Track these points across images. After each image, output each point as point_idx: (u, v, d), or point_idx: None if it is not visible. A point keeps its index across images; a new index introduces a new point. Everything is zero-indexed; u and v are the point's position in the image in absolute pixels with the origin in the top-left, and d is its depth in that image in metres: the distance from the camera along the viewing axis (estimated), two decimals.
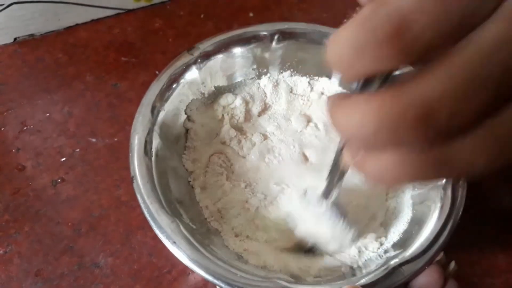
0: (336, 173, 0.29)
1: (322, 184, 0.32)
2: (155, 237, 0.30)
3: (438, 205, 0.33)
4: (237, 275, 0.29)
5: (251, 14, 0.57)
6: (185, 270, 0.38)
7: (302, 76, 0.43)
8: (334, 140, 0.41)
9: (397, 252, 0.33)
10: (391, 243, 0.35)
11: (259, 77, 0.42)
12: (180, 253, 0.29)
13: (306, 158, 0.40)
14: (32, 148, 0.44)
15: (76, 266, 0.38)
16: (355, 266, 0.34)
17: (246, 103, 0.41)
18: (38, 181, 0.42)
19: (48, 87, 0.48)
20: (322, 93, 0.43)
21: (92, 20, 0.54)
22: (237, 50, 0.40)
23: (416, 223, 0.35)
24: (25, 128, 0.45)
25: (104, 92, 0.48)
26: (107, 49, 0.52)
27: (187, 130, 0.40)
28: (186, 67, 0.38)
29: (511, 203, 0.44)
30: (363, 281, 0.29)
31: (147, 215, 0.30)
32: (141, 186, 0.31)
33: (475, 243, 0.42)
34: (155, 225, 0.30)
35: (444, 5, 0.14)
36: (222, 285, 0.28)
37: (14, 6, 0.48)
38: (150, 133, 0.34)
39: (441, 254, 0.32)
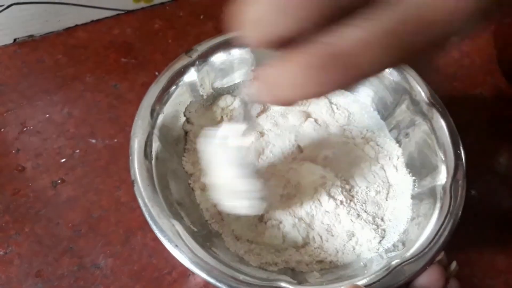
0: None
1: (313, 176, 0.34)
2: (155, 238, 0.31)
3: (438, 205, 0.33)
4: (240, 278, 0.29)
5: None
6: (185, 272, 0.38)
7: None
8: (331, 134, 0.41)
9: (398, 252, 0.33)
10: (391, 243, 0.35)
11: None
12: (182, 256, 0.29)
13: (300, 150, 0.40)
14: (32, 149, 0.44)
15: (76, 267, 0.38)
16: (355, 264, 0.34)
17: (245, 104, 0.41)
18: (38, 182, 0.42)
19: (48, 88, 0.48)
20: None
21: (92, 21, 0.54)
22: (235, 52, 0.40)
23: (416, 223, 0.35)
24: (25, 129, 0.45)
25: (104, 93, 0.48)
26: (107, 50, 0.52)
27: (186, 133, 0.40)
28: (185, 69, 0.38)
29: (511, 203, 0.44)
30: (364, 281, 0.29)
31: (148, 219, 0.30)
32: (142, 190, 0.32)
33: (475, 244, 0.42)
34: (157, 228, 0.30)
35: None
36: (225, 287, 0.28)
37: (14, 7, 0.48)
38: (149, 136, 0.34)
39: (442, 254, 0.32)
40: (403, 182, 0.39)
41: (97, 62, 0.51)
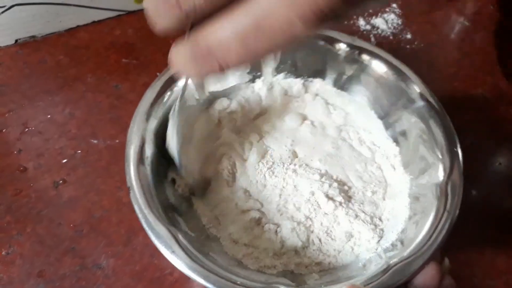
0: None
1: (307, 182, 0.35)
2: None
3: (436, 203, 0.33)
4: (238, 282, 0.29)
5: None
6: None
7: (296, 78, 0.43)
8: (328, 136, 0.41)
9: (396, 251, 0.33)
10: (390, 242, 0.35)
11: (253, 80, 0.43)
12: (179, 262, 0.29)
13: (295, 155, 0.40)
14: (34, 150, 0.44)
15: (78, 267, 0.38)
16: (354, 265, 0.34)
17: (242, 106, 0.41)
18: (39, 183, 0.42)
19: (50, 89, 0.48)
20: (317, 94, 0.44)
21: (93, 22, 0.54)
22: None
23: (414, 222, 0.35)
24: (27, 129, 0.45)
25: (105, 93, 0.48)
26: (108, 50, 0.52)
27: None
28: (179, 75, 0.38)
29: (511, 204, 0.44)
30: (363, 281, 0.29)
31: (145, 225, 0.31)
32: (138, 196, 0.32)
33: (475, 244, 0.42)
34: (153, 235, 0.30)
35: None
36: None
37: (15, 7, 0.48)
38: (145, 142, 0.34)
39: None
40: (400, 181, 0.39)
41: (98, 63, 0.51)
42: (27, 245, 0.39)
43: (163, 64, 0.39)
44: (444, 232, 0.32)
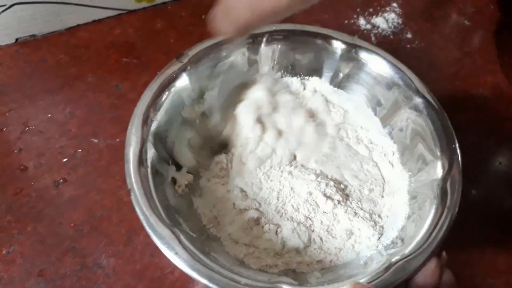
0: None
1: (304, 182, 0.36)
2: None
3: (435, 200, 0.34)
4: (241, 282, 0.29)
5: None
6: None
7: (293, 76, 0.43)
8: (327, 135, 0.42)
9: (397, 249, 0.33)
10: (390, 239, 0.35)
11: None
12: (182, 263, 0.29)
13: (294, 158, 0.40)
14: (34, 149, 0.44)
15: (78, 267, 0.38)
16: (355, 263, 0.34)
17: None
18: (40, 182, 0.42)
19: (50, 88, 0.48)
20: (316, 91, 0.44)
21: (94, 21, 0.54)
22: (226, 54, 0.40)
23: (414, 219, 0.35)
24: (27, 128, 0.45)
25: (106, 92, 0.48)
26: (108, 49, 0.52)
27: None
28: (176, 75, 0.38)
29: (511, 204, 0.44)
30: (366, 279, 0.29)
31: (146, 227, 0.31)
32: (139, 198, 0.32)
33: (476, 244, 0.42)
34: (156, 236, 0.30)
35: None
36: None
37: (16, 7, 0.48)
38: (144, 143, 0.34)
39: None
40: (399, 178, 0.39)
41: (99, 62, 0.51)
42: (28, 244, 0.39)
43: (164, 63, 0.39)
44: (444, 228, 0.32)
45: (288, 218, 0.36)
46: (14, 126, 0.45)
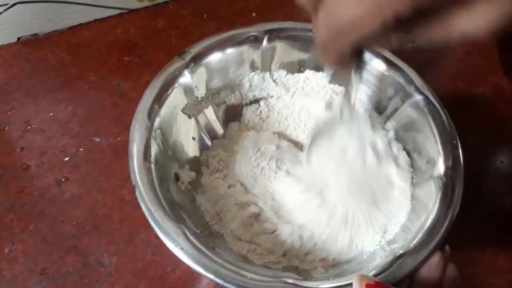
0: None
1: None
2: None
3: (437, 195, 0.34)
4: (247, 277, 0.29)
5: (253, 14, 0.57)
6: (189, 269, 0.38)
7: (293, 73, 0.43)
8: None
9: (400, 244, 0.33)
10: (393, 235, 0.35)
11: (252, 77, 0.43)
12: (189, 259, 0.29)
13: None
14: (36, 148, 0.44)
15: (80, 265, 0.38)
16: (359, 258, 0.34)
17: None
18: (42, 180, 0.42)
19: (52, 87, 0.48)
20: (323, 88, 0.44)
21: (96, 20, 0.54)
22: (228, 52, 0.40)
23: (417, 214, 0.35)
24: (29, 127, 0.45)
25: (107, 91, 0.48)
26: (110, 48, 0.52)
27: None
28: (179, 72, 0.38)
29: None
30: (371, 273, 0.30)
31: (152, 223, 0.30)
32: (144, 194, 0.32)
33: (477, 243, 0.42)
34: (161, 232, 0.30)
35: None
36: (233, 287, 0.28)
37: (17, 5, 0.48)
38: (148, 140, 0.34)
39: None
40: (401, 175, 0.39)
41: (100, 61, 0.51)
42: (30, 242, 0.39)
43: (166, 62, 0.39)
44: (447, 223, 0.32)
45: (286, 221, 0.36)
46: (16, 125, 0.45)
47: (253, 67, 0.42)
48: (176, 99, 0.38)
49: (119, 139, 0.45)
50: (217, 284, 0.29)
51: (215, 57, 0.40)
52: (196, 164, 0.40)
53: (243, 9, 0.57)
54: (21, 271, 0.38)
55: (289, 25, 0.42)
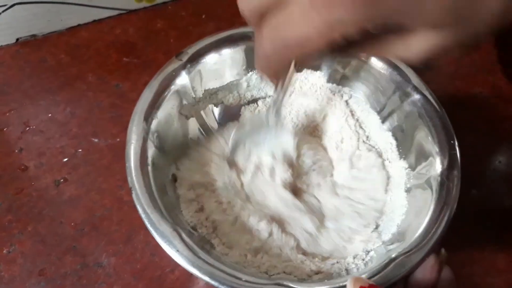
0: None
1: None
2: None
3: (434, 195, 0.34)
4: (242, 279, 0.29)
5: None
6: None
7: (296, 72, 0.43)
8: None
9: (396, 245, 0.33)
10: (389, 236, 0.35)
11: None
12: (184, 261, 0.29)
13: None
14: (35, 148, 0.44)
15: (79, 266, 0.38)
16: (353, 265, 0.34)
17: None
18: (41, 181, 0.42)
19: (51, 88, 0.48)
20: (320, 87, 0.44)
21: (94, 21, 0.54)
22: (226, 52, 0.40)
23: (413, 215, 0.35)
24: (28, 128, 0.45)
25: (106, 92, 0.48)
26: (109, 49, 0.52)
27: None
28: (176, 73, 0.38)
29: (510, 203, 0.44)
30: (366, 274, 0.30)
31: (148, 225, 0.31)
32: (140, 196, 0.32)
33: (476, 243, 0.42)
34: (158, 234, 0.30)
35: None
36: None
37: (16, 6, 0.48)
38: (144, 142, 0.35)
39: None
40: (398, 175, 0.39)
41: (99, 62, 0.51)
42: (29, 243, 0.39)
43: (164, 63, 0.39)
44: (443, 224, 0.32)
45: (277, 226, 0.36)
46: (14, 125, 0.45)
47: (250, 67, 0.42)
48: (173, 100, 0.38)
49: (118, 140, 0.45)
50: (213, 286, 0.29)
51: (212, 58, 0.40)
52: None
53: None
54: (19, 272, 0.38)
55: None
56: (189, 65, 0.39)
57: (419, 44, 0.24)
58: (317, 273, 0.33)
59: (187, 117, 0.40)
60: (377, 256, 0.33)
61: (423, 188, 0.35)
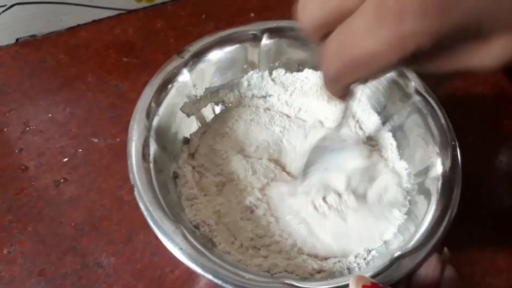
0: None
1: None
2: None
3: (435, 195, 0.34)
4: (245, 277, 0.29)
5: (252, 15, 0.57)
6: (188, 270, 0.38)
7: (292, 72, 0.43)
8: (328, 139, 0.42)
9: (398, 244, 0.33)
10: (391, 236, 0.35)
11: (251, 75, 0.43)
12: (187, 259, 0.29)
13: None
14: (35, 149, 0.44)
15: (79, 266, 0.38)
16: (354, 264, 0.34)
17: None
18: (41, 181, 0.42)
19: (50, 88, 0.48)
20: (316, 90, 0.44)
21: (94, 21, 0.54)
22: (227, 50, 0.40)
23: (414, 215, 0.35)
24: (28, 128, 0.45)
25: (105, 92, 0.48)
26: (108, 49, 0.52)
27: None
28: (177, 71, 0.38)
29: (511, 203, 0.44)
30: (369, 274, 0.30)
31: (150, 223, 0.30)
32: (142, 194, 0.31)
33: (476, 243, 0.42)
34: (160, 232, 0.30)
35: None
36: None
37: (16, 7, 0.48)
38: (146, 139, 0.34)
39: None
40: (399, 175, 0.39)
41: (99, 62, 0.51)
42: (29, 244, 0.39)
43: (164, 62, 0.39)
44: (445, 224, 0.32)
45: (284, 230, 0.36)
46: (14, 126, 0.45)
47: (251, 66, 0.42)
48: (174, 97, 0.38)
49: (118, 139, 0.45)
50: (215, 284, 0.29)
51: (213, 56, 0.40)
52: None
53: (241, 9, 0.57)
54: (19, 272, 0.38)
55: (288, 23, 0.42)
56: (190, 63, 0.39)
57: (497, 50, 0.22)
58: (319, 272, 0.33)
59: (188, 115, 0.40)
60: (379, 256, 0.33)
61: (424, 188, 0.35)
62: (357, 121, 0.42)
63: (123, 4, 0.54)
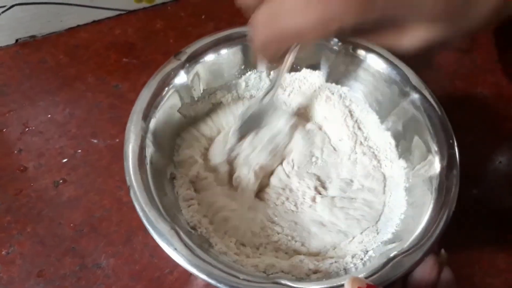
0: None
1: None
2: None
3: (433, 195, 0.34)
4: (240, 278, 0.29)
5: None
6: (186, 271, 0.38)
7: (290, 72, 0.43)
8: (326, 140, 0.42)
9: (395, 244, 0.33)
10: (388, 236, 0.35)
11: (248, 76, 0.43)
12: (182, 259, 0.29)
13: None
14: (34, 149, 0.44)
15: (78, 267, 0.38)
16: (351, 264, 0.34)
17: None
18: (40, 182, 0.42)
19: (50, 89, 0.48)
20: (319, 87, 0.44)
21: (94, 21, 0.54)
22: (224, 52, 0.40)
23: (412, 215, 0.35)
24: (27, 129, 0.45)
25: (105, 93, 0.48)
26: (108, 50, 0.52)
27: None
28: (174, 73, 0.38)
29: (511, 203, 0.44)
30: (364, 274, 0.29)
31: (146, 224, 0.30)
32: (138, 195, 0.32)
33: (475, 243, 0.42)
34: (155, 232, 0.30)
35: None
36: None
37: (16, 7, 0.48)
38: (143, 141, 0.34)
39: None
40: (397, 174, 0.39)
41: (98, 62, 0.51)
42: (27, 244, 0.39)
43: (163, 63, 0.39)
44: (442, 224, 0.32)
45: (279, 226, 0.36)
46: (14, 126, 0.45)
47: (249, 66, 0.42)
48: (172, 99, 0.38)
49: (117, 140, 0.45)
50: (210, 285, 0.29)
51: (211, 57, 0.40)
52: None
53: (241, 9, 0.57)
54: (18, 274, 0.38)
55: None
56: (187, 65, 0.39)
57: (413, 36, 0.25)
58: (315, 272, 0.33)
59: (186, 117, 0.40)
60: (376, 256, 0.33)
61: (422, 188, 0.35)
62: (355, 121, 0.42)
63: (123, 4, 0.54)
